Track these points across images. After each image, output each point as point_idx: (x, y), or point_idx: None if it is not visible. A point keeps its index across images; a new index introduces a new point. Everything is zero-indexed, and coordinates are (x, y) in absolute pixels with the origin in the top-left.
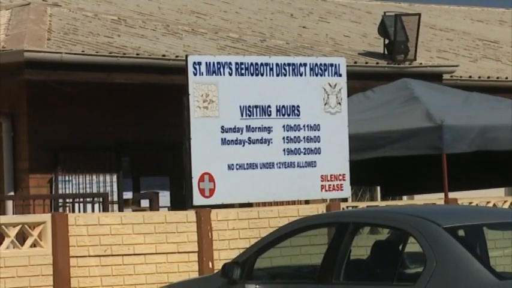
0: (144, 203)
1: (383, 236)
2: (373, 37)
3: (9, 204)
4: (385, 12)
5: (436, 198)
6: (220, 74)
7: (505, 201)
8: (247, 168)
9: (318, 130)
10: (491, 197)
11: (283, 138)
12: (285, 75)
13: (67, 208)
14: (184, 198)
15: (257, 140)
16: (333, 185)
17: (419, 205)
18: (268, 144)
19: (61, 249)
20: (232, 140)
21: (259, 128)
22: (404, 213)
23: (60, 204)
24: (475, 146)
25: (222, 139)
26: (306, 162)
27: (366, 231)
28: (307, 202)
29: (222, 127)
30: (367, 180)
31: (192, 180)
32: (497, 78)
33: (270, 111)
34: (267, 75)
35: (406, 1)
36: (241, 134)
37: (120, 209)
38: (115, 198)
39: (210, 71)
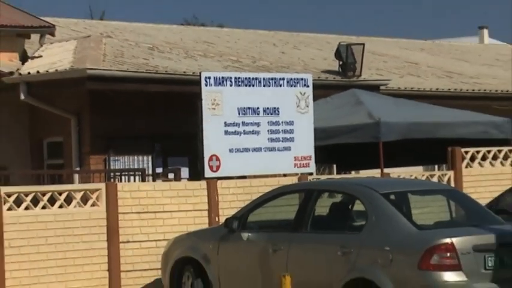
0: (170, 175)
1: (338, 199)
2: (331, 60)
3: (76, 176)
4: (339, 43)
5: (375, 173)
6: (224, 85)
7: (423, 175)
8: (243, 152)
9: (292, 125)
10: (413, 171)
11: (268, 130)
12: (269, 86)
13: (116, 179)
14: (199, 172)
15: (249, 131)
16: (303, 163)
17: (363, 177)
18: (257, 135)
19: (112, 208)
20: (232, 132)
21: (251, 123)
22: (353, 183)
23: (111, 176)
24: (402, 135)
25: (225, 131)
26: (283, 147)
27: (326, 196)
28: (285, 175)
29: (225, 122)
30: (327, 160)
31: (204, 160)
32: (418, 89)
33: (259, 111)
34: (256, 86)
35: (354, 34)
36: (239, 127)
37: (154, 180)
38: (150, 172)
39: (216, 83)
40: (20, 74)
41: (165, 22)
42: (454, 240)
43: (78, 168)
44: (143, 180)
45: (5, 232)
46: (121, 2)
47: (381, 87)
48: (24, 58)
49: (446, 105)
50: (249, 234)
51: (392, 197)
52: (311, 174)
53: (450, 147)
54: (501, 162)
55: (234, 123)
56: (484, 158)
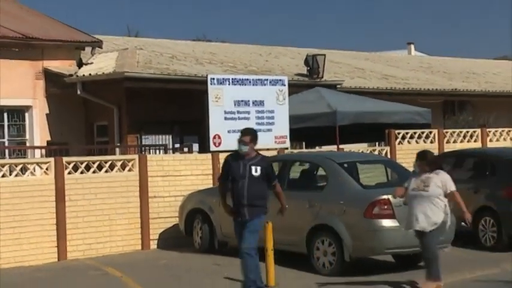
0: (185, 149)
1: (306, 167)
2: (302, 66)
3: (117, 150)
4: (307, 54)
5: (332, 148)
6: (224, 84)
7: (367, 150)
8: (237, 132)
9: (273, 113)
10: (360, 147)
11: (256, 117)
12: (257, 85)
13: (146, 152)
14: (205, 147)
15: (243, 117)
16: (281, 141)
17: (325, 151)
18: (248, 120)
19: (143, 172)
20: (230, 118)
21: (243, 111)
22: (317, 155)
23: (142, 150)
24: (352, 121)
25: (224, 117)
26: (267, 129)
27: (298, 164)
28: (268, 149)
29: (225, 111)
30: (298, 138)
31: (209, 138)
32: (363, 87)
33: (249, 103)
34: (247, 85)
35: (318, 48)
36: (235, 114)
37: (173, 152)
38: (170, 147)
39: (219, 82)
40: (77, 75)
41: (181, 38)
42: (390, 196)
43: (118, 144)
44: (165, 152)
45: (66, 189)
46: (150, 23)
47: (337, 86)
48: (80, 64)
49: (384, 99)
50: None
51: (345, 165)
52: (287, 148)
53: (387, 130)
54: (424, 141)
55: (231, 111)
56: (411, 137)
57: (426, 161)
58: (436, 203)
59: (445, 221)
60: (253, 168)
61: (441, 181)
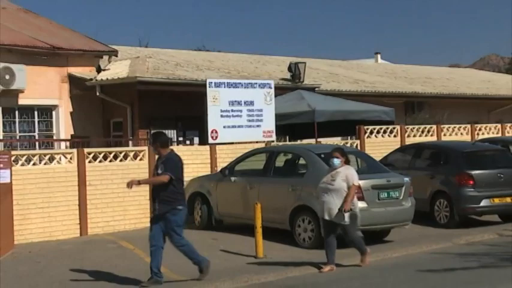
0: (188, 142)
1: (289, 157)
2: (286, 72)
3: (130, 142)
4: (290, 62)
5: (311, 141)
6: (221, 87)
7: (341, 143)
8: (231, 127)
9: (262, 111)
10: (334, 140)
11: (247, 114)
12: (248, 88)
13: None
14: (204, 140)
15: (236, 115)
16: (268, 135)
17: (305, 144)
18: (240, 117)
19: (152, 161)
20: (225, 115)
21: (236, 110)
22: (298, 147)
23: (151, 142)
24: (328, 118)
25: (221, 115)
26: (256, 125)
27: (282, 155)
28: (257, 142)
29: (221, 110)
30: (282, 133)
31: (208, 132)
32: (338, 90)
33: (241, 103)
34: (240, 87)
35: (299, 56)
36: (229, 112)
37: (177, 145)
38: (175, 140)
39: (216, 85)
40: (96, 79)
41: (184, 48)
42: (360, 182)
43: (131, 137)
44: (171, 144)
45: (87, 176)
46: (158, 35)
47: (316, 89)
48: (98, 70)
49: (355, 100)
50: (235, 177)
51: (322, 155)
52: (273, 141)
53: (357, 126)
54: (388, 135)
55: (226, 110)
56: (377, 132)
57: (343, 156)
58: (341, 195)
59: (354, 211)
60: (159, 167)
61: (346, 175)
